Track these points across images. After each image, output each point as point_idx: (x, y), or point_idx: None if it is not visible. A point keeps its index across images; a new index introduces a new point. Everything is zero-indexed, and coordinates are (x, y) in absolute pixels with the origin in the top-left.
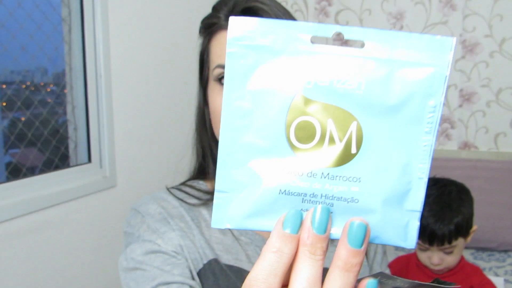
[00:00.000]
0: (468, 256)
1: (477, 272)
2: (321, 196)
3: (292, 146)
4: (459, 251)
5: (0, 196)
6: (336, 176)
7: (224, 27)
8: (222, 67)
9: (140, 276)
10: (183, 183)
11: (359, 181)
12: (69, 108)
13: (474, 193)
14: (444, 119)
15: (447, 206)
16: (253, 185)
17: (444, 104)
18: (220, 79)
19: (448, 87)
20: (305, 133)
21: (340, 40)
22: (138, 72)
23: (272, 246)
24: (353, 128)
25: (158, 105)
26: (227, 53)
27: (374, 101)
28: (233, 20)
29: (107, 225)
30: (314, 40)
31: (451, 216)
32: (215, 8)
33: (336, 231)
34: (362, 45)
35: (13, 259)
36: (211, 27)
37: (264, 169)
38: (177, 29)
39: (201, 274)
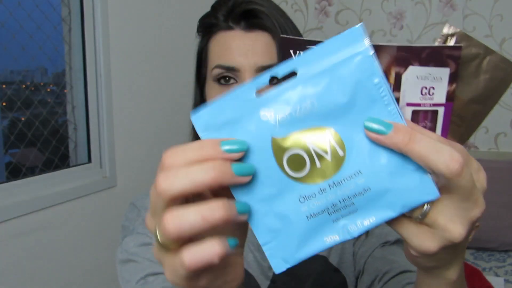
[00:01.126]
0: (468, 256)
1: (478, 274)
2: (339, 202)
3: (294, 179)
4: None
5: (0, 196)
6: (341, 181)
7: (223, 27)
8: (221, 67)
9: (133, 268)
10: None
11: (361, 173)
12: (69, 108)
13: None
14: None
15: None
16: (285, 226)
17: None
18: (219, 79)
19: None
20: (297, 164)
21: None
22: (138, 72)
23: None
24: (330, 137)
25: (158, 105)
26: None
27: (332, 107)
28: (193, 115)
29: (107, 225)
30: (258, 93)
31: None
32: (214, 8)
33: (370, 221)
34: (295, 75)
35: (13, 259)
36: (209, 27)
37: (286, 208)
38: (177, 29)
39: None
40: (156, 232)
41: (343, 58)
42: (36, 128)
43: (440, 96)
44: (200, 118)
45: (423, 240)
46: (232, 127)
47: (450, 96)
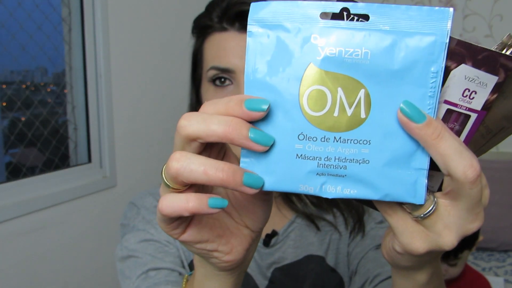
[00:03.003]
0: (468, 256)
1: (481, 279)
2: (335, 159)
3: (305, 113)
4: (463, 263)
5: (0, 196)
6: (348, 140)
7: (217, 29)
8: (216, 68)
9: (134, 263)
10: None
11: (369, 144)
12: (69, 108)
13: None
14: None
15: None
16: (272, 151)
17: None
18: (214, 80)
19: None
20: (317, 101)
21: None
22: (138, 72)
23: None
24: (361, 95)
25: (158, 105)
26: (248, 32)
27: (380, 69)
28: (253, 4)
29: (107, 225)
30: (323, 16)
31: None
32: (208, 9)
33: (350, 191)
34: (367, 19)
35: (13, 259)
36: (204, 28)
37: (283, 137)
38: (177, 29)
39: (192, 265)
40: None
41: (418, 30)
42: (36, 128)
43: (478, 102)
44: (258, 7)
45: (414, 239)
46: (281, 32)
47: (487, 106)
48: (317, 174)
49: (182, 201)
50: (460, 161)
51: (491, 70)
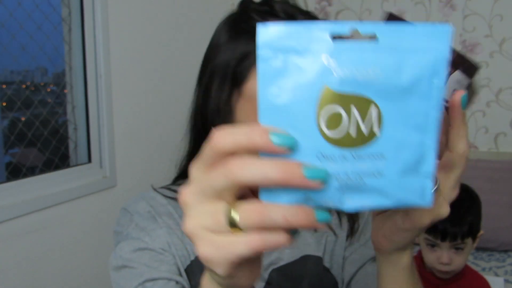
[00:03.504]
0: (469, 256)
1: (481, 280)
2: (352, 173)
3: (323, 134)
4: (467, 253)
5: (0, 196)
6: (363, 155)
7: None
8: None
9: (129, 274)
10: (172, 183)
11: (383, 157)
12: (69, 108)
13: None
14: None
15: (460, 205)
16: None
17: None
18: None
19: None
20: (334, 121)
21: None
22: (138, 72)
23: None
24: (373, 111)
25: (158, 105)
26: (258, 56)
27: (390, 86)
28: (262, 27)
29: (107, 225)
30: (333, 37)
31: (464, 214)
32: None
33: (367, 203)
34: (375, 38)
35: (13, 259)
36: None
37: (301, 158)
38: (177, 29)
39: (189, 270)
40: (220, 208)
41: (422, 47)
42: (36, 128)
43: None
44: (267, 30)
45: (423, 214)
46: (292, 55)
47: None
48: (336, 189)
49: (279, 237)
50: (466, 142)
51: (470, 76)
